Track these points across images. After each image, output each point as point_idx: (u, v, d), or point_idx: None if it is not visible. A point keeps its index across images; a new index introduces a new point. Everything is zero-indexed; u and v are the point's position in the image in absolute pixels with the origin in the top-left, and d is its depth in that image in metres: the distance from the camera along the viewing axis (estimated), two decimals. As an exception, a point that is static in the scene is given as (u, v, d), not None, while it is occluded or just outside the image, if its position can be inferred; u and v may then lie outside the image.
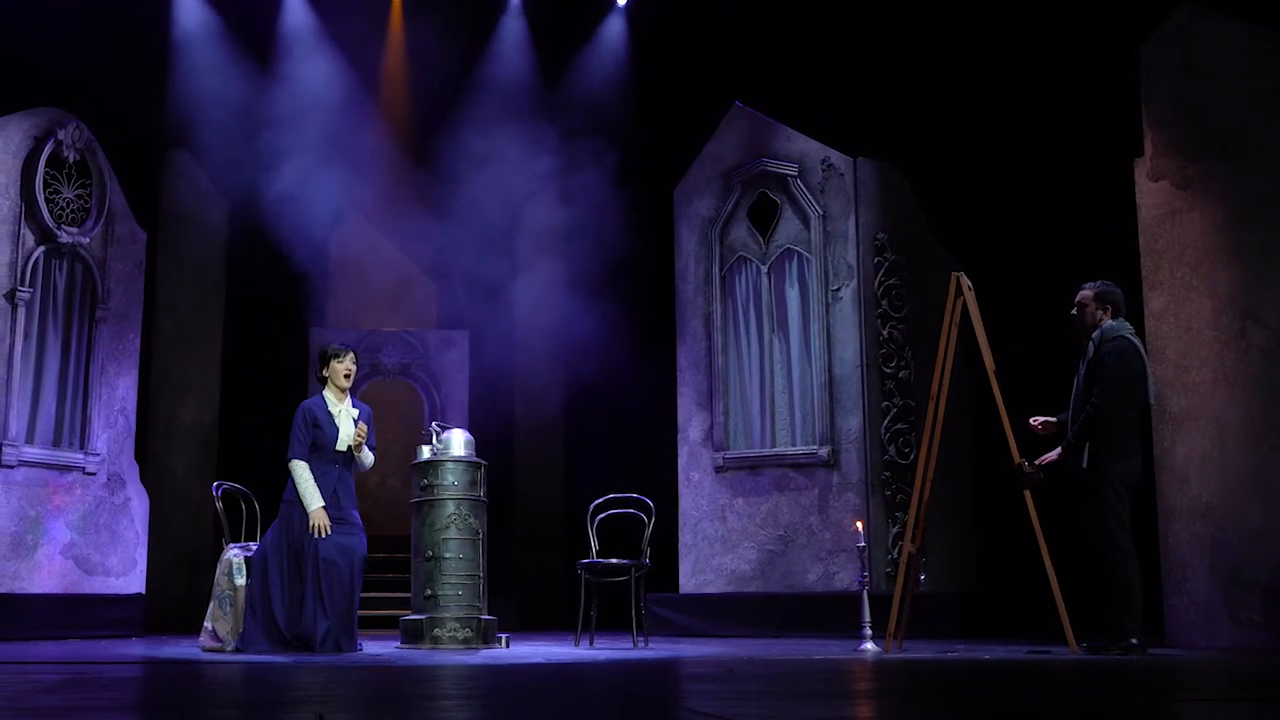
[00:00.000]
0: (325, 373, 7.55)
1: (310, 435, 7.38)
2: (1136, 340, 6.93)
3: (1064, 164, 9.33)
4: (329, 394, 7.53)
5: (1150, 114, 8.03)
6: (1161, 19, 8.03)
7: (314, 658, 6.71)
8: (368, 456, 7.56)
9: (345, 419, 7.47)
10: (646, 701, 4.11)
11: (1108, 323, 6.92)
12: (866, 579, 7.36)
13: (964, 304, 7.33)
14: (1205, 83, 7.82)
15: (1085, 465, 6.73)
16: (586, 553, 8.21)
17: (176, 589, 11.48)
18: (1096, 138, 8.99)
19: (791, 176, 10.11)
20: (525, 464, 13.32)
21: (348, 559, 7.22)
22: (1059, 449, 6.98)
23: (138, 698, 4.38)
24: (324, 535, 7.15)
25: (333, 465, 7.40)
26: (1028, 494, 6.97)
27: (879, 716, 3.69)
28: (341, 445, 7.40)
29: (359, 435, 7.43)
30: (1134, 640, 6.59)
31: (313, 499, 7.23)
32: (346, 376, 7.52)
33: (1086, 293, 7.02)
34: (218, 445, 12.48)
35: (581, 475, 12.25)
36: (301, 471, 7.32)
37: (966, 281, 7.35)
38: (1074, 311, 7.06)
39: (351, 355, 7.60)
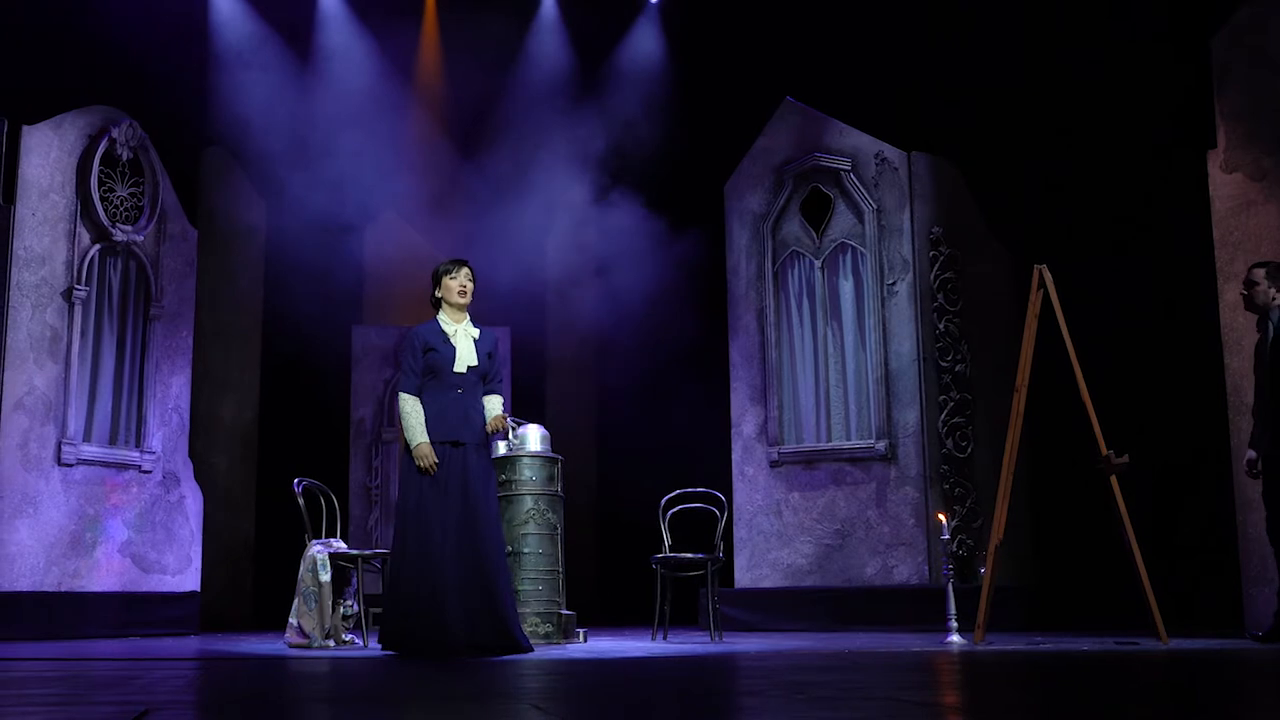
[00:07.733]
0: (439, 293, 6.91)
1: (422, 363, 6.73)
2: None
3: (1128, 156, 9.34)
4: (444, 315, 6.88)
5: (1223, 106, 8.05)
6: (1232, 10, 8.05)
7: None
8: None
9: (463, 338, 6.81)
10: (842, 691, 4.09)
11: None
12: (951, 571, 7.37)
13: (1045, 296, 7.34)
14: (1279, 74, 7.84)
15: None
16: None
17: (219, 586, 11.45)
18: (1164, 130, 9.01)
19: (845, 171, 10.11)
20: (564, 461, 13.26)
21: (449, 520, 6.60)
22: (1252, 451, 7.06)
23: (303, 690, 4.36)
24: (433, 472, 6.56)
25: (453, 390, 6.73)
26: (1115, 484, 6.99)
27: (1056, 700, 3.70)
28: (460, 366, 6.73)
29: (500, 423, 6.80)
30: None
31: (415, 434, 6.64)
32: (461, 293, 6.85)
33: (1259, 271, 6.99)
34: (258, 443, 12.45)
35: (625, 471, 12.20)
36: (407, 405, 6.70)
37: (1048, 275, 7.36)
38: (1244, 292, 7.05)
39: (466, 270, 6.90)
